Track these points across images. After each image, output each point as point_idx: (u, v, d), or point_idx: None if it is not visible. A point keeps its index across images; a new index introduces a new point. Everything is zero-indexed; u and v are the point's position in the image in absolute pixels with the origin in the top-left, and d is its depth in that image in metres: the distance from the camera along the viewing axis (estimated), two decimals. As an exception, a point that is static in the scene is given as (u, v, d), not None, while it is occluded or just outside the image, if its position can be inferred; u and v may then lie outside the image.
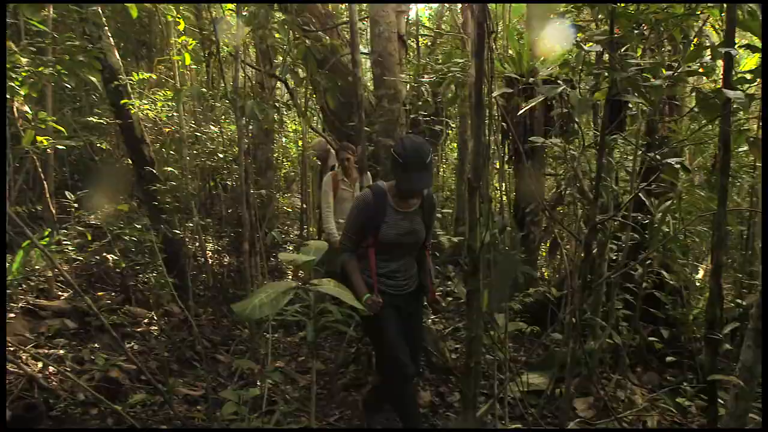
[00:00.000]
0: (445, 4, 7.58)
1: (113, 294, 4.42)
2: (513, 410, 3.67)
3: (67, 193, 4.10)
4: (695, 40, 3.32)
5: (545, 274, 6.72)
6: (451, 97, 4.96)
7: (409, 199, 3.01)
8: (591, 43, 2.24)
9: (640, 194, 4.19)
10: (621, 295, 4.35)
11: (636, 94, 1.93)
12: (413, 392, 3.10)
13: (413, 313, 3.21)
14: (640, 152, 3.84)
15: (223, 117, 5.40)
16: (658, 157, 3.95)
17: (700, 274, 6.56)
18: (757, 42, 2.18)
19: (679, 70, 1.88)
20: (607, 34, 1.96)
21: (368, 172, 4.98)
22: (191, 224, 4.41)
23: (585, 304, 4.23)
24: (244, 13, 3.74)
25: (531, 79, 3.48)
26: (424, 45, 7.57)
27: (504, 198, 4.90)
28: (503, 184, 4.66)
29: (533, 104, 2.41)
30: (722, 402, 2.33)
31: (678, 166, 3.30)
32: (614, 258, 4.45)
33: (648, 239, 4.36)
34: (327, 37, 4.34)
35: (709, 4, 2.42)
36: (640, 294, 4.24)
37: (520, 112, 3.16)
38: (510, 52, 5.40)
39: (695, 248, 6.36)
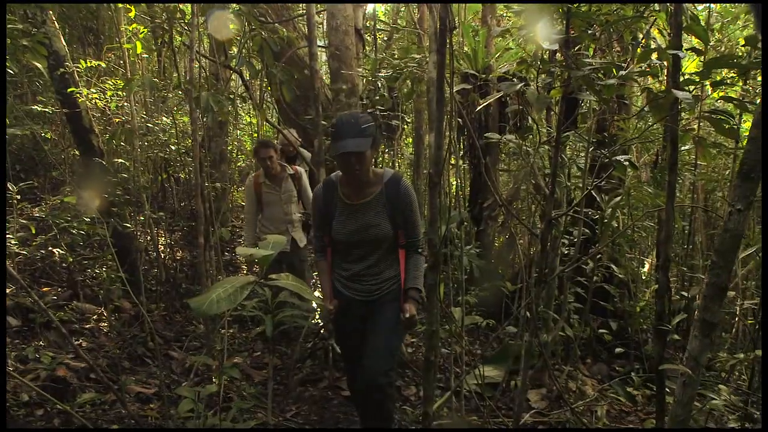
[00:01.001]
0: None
1: (60, 289, 4.25)
2: (469, 403, 3.73)
3: (8, 184, 3.91)
4: (643, 41, 3.45)
5: (499, 268, 6.86)
6: (407, 93, 4.98)
7: (363, 189, 2.62)
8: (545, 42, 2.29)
9: (592, 191, 4.33)
10: (572, 289, 4.49)
11: (590, 93, 1.98)
12: (377, 402, 2.64)
13: (389, 319, 2.69)
14: (592, 149, 3.96)
15: (175, 108, 5.26)
16: (607, 154, 4.10)
17: (646, 267, 6.84)
18: (699, 45, 2.28)
19: (628, 71, 1.94)
20: (563, 33, 2.01)
21: (302, 163, 4.84)
22: (142, 217, 4.28)
23: (539, 298, 4.35)
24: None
25: (485, 76, 3.53)
26: (381, 40, 7.58)
27: (460, 193, 4.97)
28: (458, 180, 4.72)
29: (490, 101, 2.45)
30: (669, 390, 2.44)
31: (626, 163, 3.44)
32: (566, 252, 4.59)
33: (599, 234, 4.52)
34: (283, 29, 4.28)
35: (656, 8, 2.51)
36: (590, 287, 4.38)
37: (477, 108, 3.20)
38: (466, 48, 5.47)
39: (642, 243, 6.63)
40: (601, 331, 4.54)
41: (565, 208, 4.19)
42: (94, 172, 4.00)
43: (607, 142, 4.91)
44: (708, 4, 5.06)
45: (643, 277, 5.94)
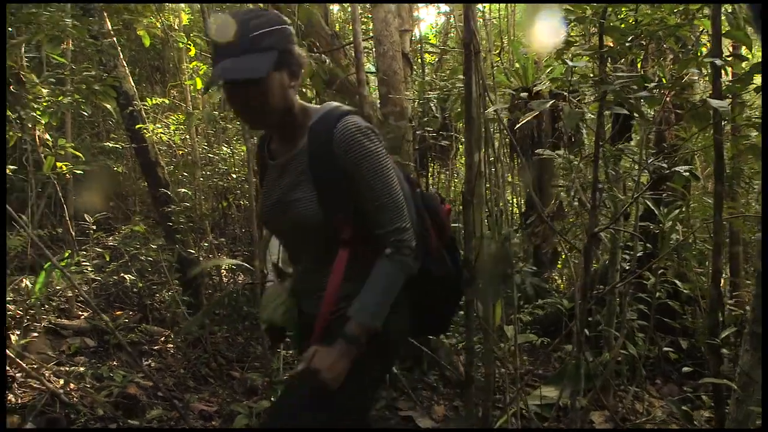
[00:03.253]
0: (451, 21, 7.70)
1: (131, 313, 4.53)
2: (528, 423, 3.66)
3: (86, 215, 4.24)
4: (693, 49, 3.36)
5: (561, 285, 6.70)
6: (458, 113, 5.02)
7: (287, 139, 1.65)
8: (586, 57, 2.30)
9: (649, 203, 4.20)
10: (634, 306, 4.34)
11: (626, 107, 1.98)
12: None
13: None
14: (650, 161, 3.86)
15: (234, 138, 5.54)
16: (664, 165, 3.98)
17: (721, 283, 6.48)
18: (747, 52, 2.22)
19: (656, 82, 1.92)
20: (596, 48, 2.02)
21: None
22: (206, 244, 4.51)
23: (599, 315, 4.24)
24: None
25: (525, 93, 3.52)
26: (431, 62, 7.69)
27: (516, 210, 4.95)
28: (513, 197, 4.71)
29: (529, 117, 2.47)
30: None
31: (686, 173, 3.33)
32: (626, 268, 4.45)
33: (660, 248, 4.36)
34: (328, 59, 4.44)
35: (698, 15, 2.46)
36: (653, 304, 4.23)
37: (518, 125, 3.21)
38: (516, 65, 5.48)
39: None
40: (666, 349, 4.36)
41: (622, 223, 4.09)
42: (161, 202, 4.27)
43: (666, 153, 4.76)
44: None
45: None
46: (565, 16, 2.11)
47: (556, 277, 6.77)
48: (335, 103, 1.68)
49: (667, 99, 3.75)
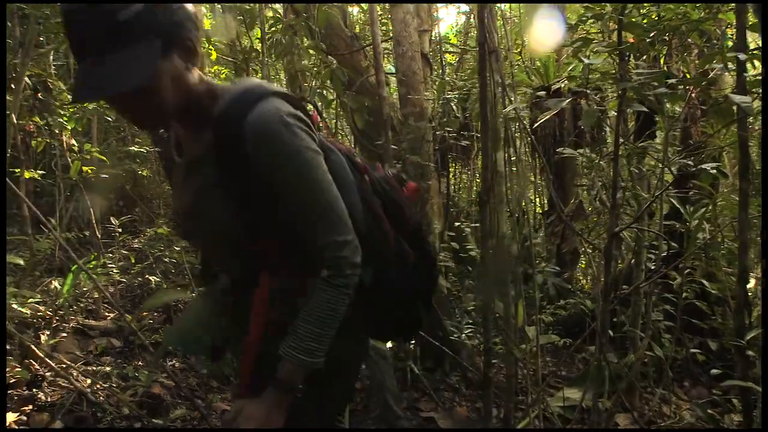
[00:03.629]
0: (471, 21, 7.66)
1: (156, 314, 4.61)
2: (551, 425, 3.62)
3: (111, 218, 4.33)
4: (719, 43, 3.29)
5: (585, 285, 6.61)
6: (478, 113, 4.99)
7: (193, 131, 1.28)
8: (604, 55, 2.27)
9: (674, 202, 4.12)
10: (661, 307, 4.25)
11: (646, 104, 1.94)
12: None
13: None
14: (668, 159, 3.79)
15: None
16: (689, 162, 3.89)
17: (752, 283, 6.30)
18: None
19: (680, 78, 1.89)
20: (614, 44, 1.99)
21: None
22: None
23: (623, 316, 4.17)
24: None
25: (542, 92, 3.48)
26: (451, 62, 7.66)
27: (538, 209, 4.90)
28: (535, 197, 4.66)
29: (547, 116, 2.44)
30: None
31: (713, 171, 3.24)
32: (652, 268, 4.36)
33: (686, 247, 4.26)
34: (335, 64, 4.44)
35: (723, 9, 2.41)
36: (679, 304, 4.14)
37: (535, 124, 3.18)
38: (537, 63, 5.42)
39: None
40: (692, 351, 4.26)
41: (646, 222, 4.02)
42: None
43: (693, 150, 4.66)
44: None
45: (750, 294, 5.50)
46: (583, 14, 2.08)
47: (581, 277, 6.68)
48: (253, 81, 1.26)
49: (693, 95, 3.68)
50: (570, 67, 5.02)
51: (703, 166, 3.12)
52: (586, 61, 1.83)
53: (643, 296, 4.04)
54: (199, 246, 1.49)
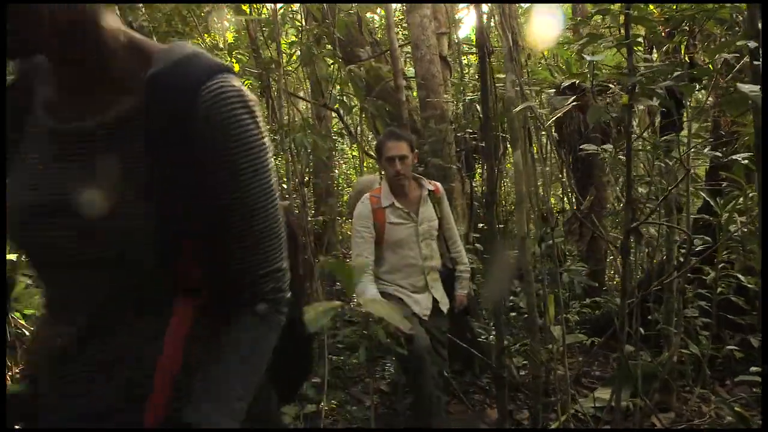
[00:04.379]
0: (492, 22, 7.62)
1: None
2: (584, 426, 3.57)
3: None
4: (741, 31, 3.20)
5: (617, 283, 6.47)
6: (500, 114, 4.96)
7: (84, 93, 0.89)
8: (611, 50, 2.25)
9: (704, 195, 4.02)
10: (696, 303, 4.14)
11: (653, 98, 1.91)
12: None
13: None
14: (706, 149, 3.70)
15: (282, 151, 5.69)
16: (719, 154, 3.79)
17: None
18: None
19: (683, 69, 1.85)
20: (621, 39, 1.97)
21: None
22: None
23: (656, 313, 4.08)
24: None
25: (552, 90, 3.44)
26: (474, 63, 7.63)
27: (566, 207, 4.84)
28: (564, 195, 4.60)
29: (558, 114, 2.42)
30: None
31: (746, 162, 3.14)
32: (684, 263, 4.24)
33: (719, 241, 4.14)
34: (354, 69, 4.49)
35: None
36: (714, 300, 4.03)
37: (548, 123, 3.15)
38: (560, 61, 5.36)
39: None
40: (728, 347, 4.13)
41: (675, 217, 3.92)
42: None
43: (724, 140, 4.53)
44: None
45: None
46: (590, 9, 2.06)
47: (614, 275, 6.56)
48: (196, 48, 0.95)
49: (722, 84, 3.58)
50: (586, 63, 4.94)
51: (735, 157, 3.03)
52: (589, 57, 1.82)
53: (676, 293, 3.94)
54: (64, 269, 0.90)
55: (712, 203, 3.97)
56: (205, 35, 4.71)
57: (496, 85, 4.51)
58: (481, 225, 4.43)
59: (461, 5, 6.60)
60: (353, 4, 5.14)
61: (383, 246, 3.08)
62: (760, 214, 1.74)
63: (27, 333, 2.71)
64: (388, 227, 3.00)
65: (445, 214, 3.12)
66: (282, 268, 0.97)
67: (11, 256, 2.31)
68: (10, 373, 2.46)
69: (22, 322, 2.65)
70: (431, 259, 3.15)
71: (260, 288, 0.96)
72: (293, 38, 4.87)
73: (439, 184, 3.09)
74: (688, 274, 3.86)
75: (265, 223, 0.93)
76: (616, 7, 2.05)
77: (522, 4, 6.17)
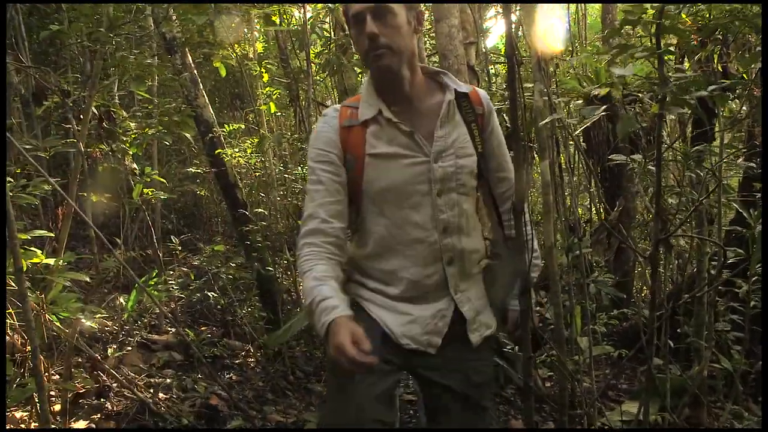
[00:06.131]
0: (520, 31, 7.59)
1: (214, 328, 4.79)
2: (611, 439, 3.51)
3: (172, 237, 4.55)
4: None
5: (645, 294, 6.36)
6: (528, 122, 4.92)
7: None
8: (642, 61, 2.23)
9: (736, 206, 3.94)
10: (728, 316, 4.04)
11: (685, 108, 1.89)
12: None
13: None
14: (717, 164, 3.63)
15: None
16: (753, 164, 3.71)
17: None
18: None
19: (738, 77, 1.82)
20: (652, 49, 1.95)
21: None
22: (285, 260, 4.69)
23: (686, 327, 4.00)
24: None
25: (580, 100, 3.39)
26: (501, 72, 7.60)
27: (595, 218, 4.78)
28: (591, 205, 4.54)
29: (587, 123, 2.40)
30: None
31: (780, 173, 3.08)
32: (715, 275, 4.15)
33: (752, 254, 4.04)
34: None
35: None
36: (747, 313, 3.93)
37: (576, 132, 3.12)
38: (589, 70, 5.30)
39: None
40: (762, 363, 4.02)
41: (707, 228, 3.85)
42: (240, 222, 4.51)
43: (759, 152, 4.43)
44: None
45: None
46: (622, 19, 2.05)
47: (643, 287, 6.44)
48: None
49: (756, 93, 3.52)
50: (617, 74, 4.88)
51: (770, 167, 2.97)
52: (618, 71, 1.80)
53: (707, 306, 3.86)
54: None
55: (745, 215, 3.89)
56: (236, 45, 4.79)
57: (525, 94, 4.50)
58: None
59: (489, 14, 6.60)
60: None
61: (362, 203, 1.67)
62: (762, 214, 1.70)
63: (61, 336, 2.78)
64: (369, 162, 1.61)
65: (494, 145, 1.78)
66: None
67: (49, 260, 2.38)
68: (46, 374, 2.52)
69: (57, 324, 2.73)
70: (460, 233, 1.67)
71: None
72: (320, 48, 4.92)
73: (482, 92, 1.78)
74: (720, 287, 3.77)
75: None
76: (648, 16, 2.03)
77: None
